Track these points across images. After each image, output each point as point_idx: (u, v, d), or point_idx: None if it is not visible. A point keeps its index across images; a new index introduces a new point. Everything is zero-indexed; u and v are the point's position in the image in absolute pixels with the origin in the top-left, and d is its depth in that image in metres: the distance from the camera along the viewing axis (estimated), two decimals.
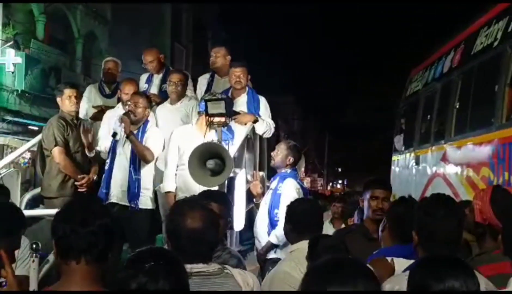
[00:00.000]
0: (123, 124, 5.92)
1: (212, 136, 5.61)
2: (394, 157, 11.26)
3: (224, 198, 4.15)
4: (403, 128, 11.07)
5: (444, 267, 2.15)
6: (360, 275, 1.84)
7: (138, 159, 6.04)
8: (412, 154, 9.82)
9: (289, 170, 5.91)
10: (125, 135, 5.99)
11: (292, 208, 4.06)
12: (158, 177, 6.13)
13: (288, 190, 5.71)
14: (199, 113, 5.97)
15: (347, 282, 1.80)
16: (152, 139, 6.12)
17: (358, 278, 1.83)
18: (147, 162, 6.06)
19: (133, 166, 6.03)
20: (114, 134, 6.04)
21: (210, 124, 5.45)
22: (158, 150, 6.14)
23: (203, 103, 5.60)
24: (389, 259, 2.87)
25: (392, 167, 11.32)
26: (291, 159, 5.92)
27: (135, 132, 6.05)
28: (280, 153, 5.96)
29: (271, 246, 5.57)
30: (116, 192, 6.03)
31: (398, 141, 11.04)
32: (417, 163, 9.44)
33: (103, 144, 6.39)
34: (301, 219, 3.91)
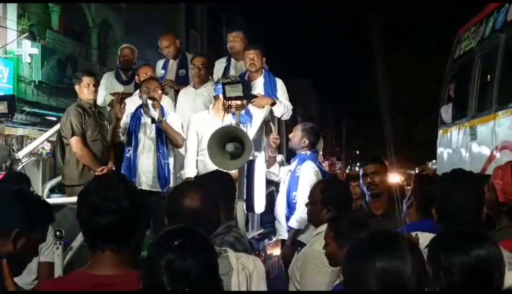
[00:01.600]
0: (152, 111, 5.89)
1: (230, 119, 5.59)
2: (441, 131, 9.50)
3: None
4: (452, 97, 9.37)
5: (463, 239, 2.18)
6: (404, 247, 1.88)
7: (166, 143, 6.04)
8: (467, 125, 8.05)
9: (309, 152, 5.90)
10: (148, 121, 6.00)
11: (328, 188, 4.04)
12: (179, 163, 6.14)
13: (307, 172, 5.70)
14: (214, 97, 5.95)
15: (393, 254, 1.84)
16: (178, 124, 6.12)
17: (398, 250, 1.86)
18: (179, 147, 6.07)
19: (161, 151, 6.03)
20: (153, 120, 5.97)
21: (228, 108, 5.42)
22: (179, 132, 6.13)
23: (220, 87, 5.59)
24: (413, 233, 2.85)
25: (439, 142, 9.66)
26: (306, 141, 5.91)
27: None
28: (296, 135, 5.96)
29: (295, 233, 5.55)
30: (145, 179, 6.03)
31: (446, 112, 9.31)
32: (474, 134, 7.75)
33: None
34: (337, 199, 3.91)
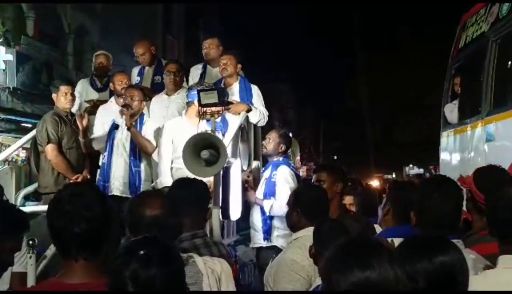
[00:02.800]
0: (123, 117, 5.94)
1: (204, 126, 5.61)
2: (445, 134, 8.08)
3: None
4: (459, 92, 7.97)
5: (427, 246, 2.20)
6: (379, 255, 1.87)
7: (138, 151, 6.08)
8: (480, 124, 6.66)
9: (281, 158, 5.96)
10: (124, 128, 6.04)
11: (300, 194, 4.06)
12: (155, 170, 6.14)
13: (284, 177, 5.76)
14: (188, 103, 5.96)
15: (369, 264, 1.83)
16: (150, 132, 6.14)
17: (378, 258, 1.86)
18: (148, 154, 6.10)
19: (133, 158, 6.09)
20: (116, 126, 6.05)
21: (203, 115, 5.44)
22: (155, 142, 6.15)
23: (193, 93, 5.62)
24: (389, 239, 2.89)
25: (443, 147, 8.22)
26: (283, 147, 5.99)
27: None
28: (272, 142, 6.01)
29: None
30: (118, 184, 6.07)
31: (451, 111, 7.93)
32: (490, 135, 6.36)
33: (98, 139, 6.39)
34: (309, 205, 3.91)
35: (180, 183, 3.89)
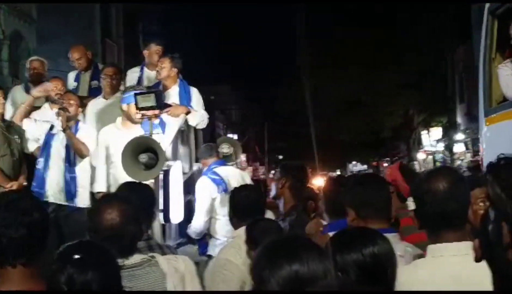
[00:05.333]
0: (59, 118, 5.86)
1: (139, 130, 5.59)
2: (492, 119, 5.53)
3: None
4: None
5: (356, 238, 2.27)
6: (308, 250, 1.89)
7: (73, 157, 6.01)
8: None
9: (206, 167, 6.17)
10: (60, 133, 5.97)
11: (233, 195, 4.10)
12: (93, 175, 6.09)
13: (198, 190, 5.99)
14: (122, 107, 5.92)
15: (298, 258, 1.85)
16: (86, 135, 6.08)
17: (307, 252, 1.87)
18: (83, 157, 6.03)
19: (68, 164, 6.02)
20: (52, 127, 5.97)
21: (141, 118, 5.41)
22: (91, 146, 6.10)
23: (127, 96, 5.59)
24: (331, 234, 2.96)
25: (486, 137, 5.78)
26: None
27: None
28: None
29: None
30: (52, 191, 5.99)
31: (506, 83, 5.20)
32: None
33: (32, 145, 6.28)
34: (241, 205, 3.95)
35: (125, 187, 3.87)
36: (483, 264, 1.57)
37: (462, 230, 2.42)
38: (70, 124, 6.01)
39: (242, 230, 3.72)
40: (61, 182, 5.99)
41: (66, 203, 5.97)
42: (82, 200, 6.00)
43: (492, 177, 1.53)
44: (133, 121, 5.70)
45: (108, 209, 2.81)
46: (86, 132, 6.11)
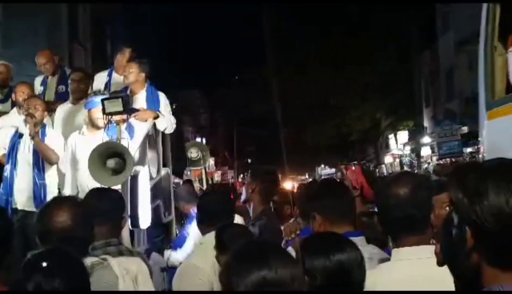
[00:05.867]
0: (27, 126, 5.80)
1: (105, 136, 5.55)
2: (493, 113, 4.92)
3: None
4: None
5: (325, 243, 2.30)
6: (276, 255, 1.91)
7: (42, 163, 5.95)
8: None
9: None
10: (27, 139, 5.91)
11: (200, 200, 4.11)
12: (62, 181, 6.03)
13: (196, 235, 5.89)
14: (89, 111, 5.87)
15: (266, 263, 1.86)
16: (54, 141, 6.04)
17: (275, 258, 1.89)
18: (52, 163, 5.99)
19: (37, 170, 5.95)
20: (21, 135, 5.89)
21: (108, 123, 5.39)
22: (60, 152, 6.06)
23: (92, 101, 5.57)
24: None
25: (487, 132, 5.06)
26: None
27: None
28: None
29: None
30: (20, 198, 5.92)
31: None
32: None
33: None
34: (208, 210, 3.95)
35: (95, 192, 3.84)
36: (445, 268, 1.61)
37: (425, 234, 2.47)
38: (37, 130, 5.96)
39: (209, 236, 3.72)
40: (29, 188, 5.92)
41: (35, 210, 5.87)
42: None
43: (456, 181, 1.56)
44: (97, 127, 5.65)
45: (59, 212, 2.76)
46: (54, 138, 6.07)
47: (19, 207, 5.88)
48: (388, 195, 2.51)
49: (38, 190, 5.91)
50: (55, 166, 6.05)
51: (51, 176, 6.02)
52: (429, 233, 2.46)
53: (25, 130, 5.95)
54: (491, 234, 1.45)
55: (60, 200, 3.04)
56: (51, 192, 5.95)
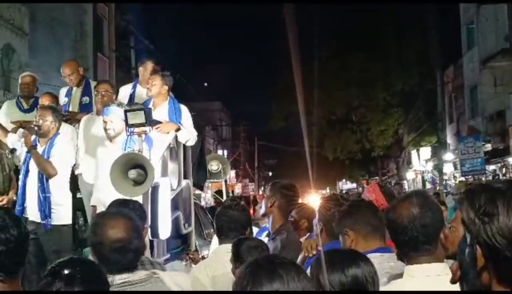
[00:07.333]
0: (22, 140, 5.94)
1: (120, 148, 5.60)
2: None
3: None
4: None
5: (340, 259, 2.32)
6: (288, 269, 1.93)
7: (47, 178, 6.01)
8: None
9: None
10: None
11: (218, 212, 4.16)
12: (86, 190, 6.11)
13: None
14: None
15: (278, 277, 1.88)
16: (59, 151, 6.08)
17: (287, 272, 1.90)
18: (50, 176, 6.02)
19: (40, 184, 6.01)
20: (13, 150, 6.01)
21: (130, 134, 5.46)
22: (65, 161, 6.13)
23: (108, 109, 5.67)
24: None
25: None
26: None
27: (43, 146, 6.08)
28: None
29: None
30: (31, 209, 6.02)
31: None
32: None
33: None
34: (224, 223, 4.01)
35: (116, 203, 3.91)
36: (455, 285, 1.64)
37: (434, 252, 2.53)
38: (45, 140, 6.05)
39: (223, 247, 3.83)
40: (35, 201, 6.00)
41: (42, 222, 5.96)
42: (58, 219, 6.01)
43: (467, 201, 1.58)
44: (109, 136, 5.72)
45: (114, 223, 2.86)
46: (61, 147, 6.11)
47: (30, 218, 5.96)
48: (397, 216, 2.59)
49: (42, 203, 5.96)
50: (62, 176, 6.10)
51: (57, 187, 6.05)
52: (439, 252, 2.50)
53: (19, 144, 6.05)
54: (501, 254, 1.47)
55: (113, 213, 3.13)
56: (57, 204, 6.02)
